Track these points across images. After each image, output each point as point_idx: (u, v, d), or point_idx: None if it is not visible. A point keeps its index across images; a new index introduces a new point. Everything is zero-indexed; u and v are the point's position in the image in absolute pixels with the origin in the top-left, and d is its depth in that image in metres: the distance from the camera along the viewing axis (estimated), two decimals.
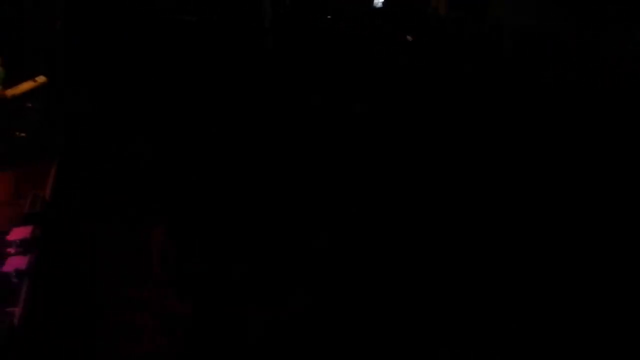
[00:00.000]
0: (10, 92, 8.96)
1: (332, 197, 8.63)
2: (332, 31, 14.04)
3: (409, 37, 14.49)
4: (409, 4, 15.23)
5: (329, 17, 14.60)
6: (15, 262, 6.14)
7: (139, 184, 8.50)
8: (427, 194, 8.82)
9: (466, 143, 10.18)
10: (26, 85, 9.23)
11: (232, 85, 11.45)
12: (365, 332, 6.27)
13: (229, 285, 6.83)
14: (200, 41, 12.32)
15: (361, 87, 12.00)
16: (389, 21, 14.64)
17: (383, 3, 15.86)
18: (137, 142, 9.49)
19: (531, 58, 12.75)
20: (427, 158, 9.76)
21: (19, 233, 6.56)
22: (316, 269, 7.15)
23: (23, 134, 8.94)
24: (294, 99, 11.38)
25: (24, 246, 6.41)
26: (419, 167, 9.50)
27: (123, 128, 9.84)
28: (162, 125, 10.01)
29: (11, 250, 6.36)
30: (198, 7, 13.03)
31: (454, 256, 7.51)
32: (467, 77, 12.24)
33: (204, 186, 8.66)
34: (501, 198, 8.72)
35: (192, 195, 8.43)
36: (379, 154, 9.80)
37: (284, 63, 12.77)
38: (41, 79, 9.44)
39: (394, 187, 8.95)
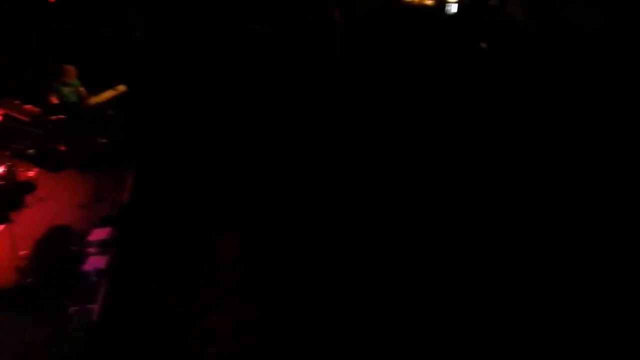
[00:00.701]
0: (93, 100, 9.39)
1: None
2: (404, 39, 13.94)
3: (483, 44, 14.15)
4: (483, 10, 14.88)
5: (399, 25, 14.52)
6: (95, 262, 6.39)
7: (211, 191, 8.67)
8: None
9: (547, 146, 9.87)
10: (108, 94, 9.64)
11: (303, 92, 11.56)
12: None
13: (296, 291, 6.82)
14: (273, 50, 12.54)
15: (432, 95, 11.82)
16: (462, 28, 14.37)
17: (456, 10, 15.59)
18: (211, 149, 9.71)
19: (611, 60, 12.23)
20: (509, 167, 9.55)
21: (98, 234, 6.83)
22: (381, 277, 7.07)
23: (104, 140, 9.36)
24: (360, 107, 11.35)
25: (103, 247, 6.65)
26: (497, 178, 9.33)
27: (198, 136, 10.11)
28: (236, 133, 10.22)
29: (91, 250, 6.62)
30: (271, 18, 13.28)
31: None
32: (544, 82, 11.82)
33: (274, 194, 8.73)
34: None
35: (262, 202, 8.51)
36: (455, 165, 9.65)
37: (353, 72, 12.77)
38: (121, 87, 9.84)
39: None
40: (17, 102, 9.20)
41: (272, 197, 8.65)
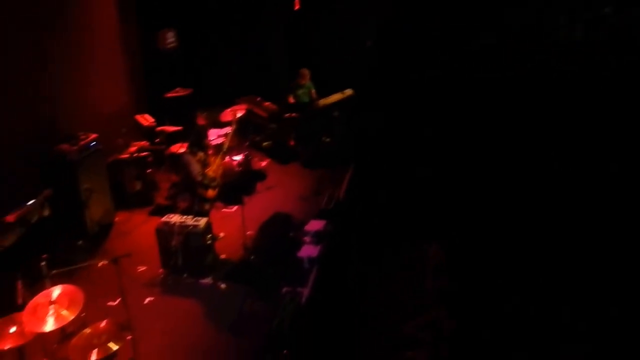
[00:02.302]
0: (322, 102, 10.08)
1: None
2: None
3: None
4: None
5: None
6: (309, 250, 6.84)
7: (421, 199, 8.66)
8: None
9: None
10: (335, 97, 10.26)
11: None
12: None
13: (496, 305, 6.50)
14: None
15: None
16: None
17: None
18: (424, 162, 9.67)
19: None
20: None
21: (314, 225, 7.29)
22: None
23: (328, 139, 9.99)
24: None
25: (317, 237, 7.09)
26: None
27: (410, 147, 10.14)
28: (445, 147, 10.04)
29: (307, 239, 7.10)
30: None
31: None
32: None
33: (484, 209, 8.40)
34: None
35: (471, 217, 8.26)
36: None
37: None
38: (348, 91, 10.39)
39: None
40: (259, 98, 10.33)
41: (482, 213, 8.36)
